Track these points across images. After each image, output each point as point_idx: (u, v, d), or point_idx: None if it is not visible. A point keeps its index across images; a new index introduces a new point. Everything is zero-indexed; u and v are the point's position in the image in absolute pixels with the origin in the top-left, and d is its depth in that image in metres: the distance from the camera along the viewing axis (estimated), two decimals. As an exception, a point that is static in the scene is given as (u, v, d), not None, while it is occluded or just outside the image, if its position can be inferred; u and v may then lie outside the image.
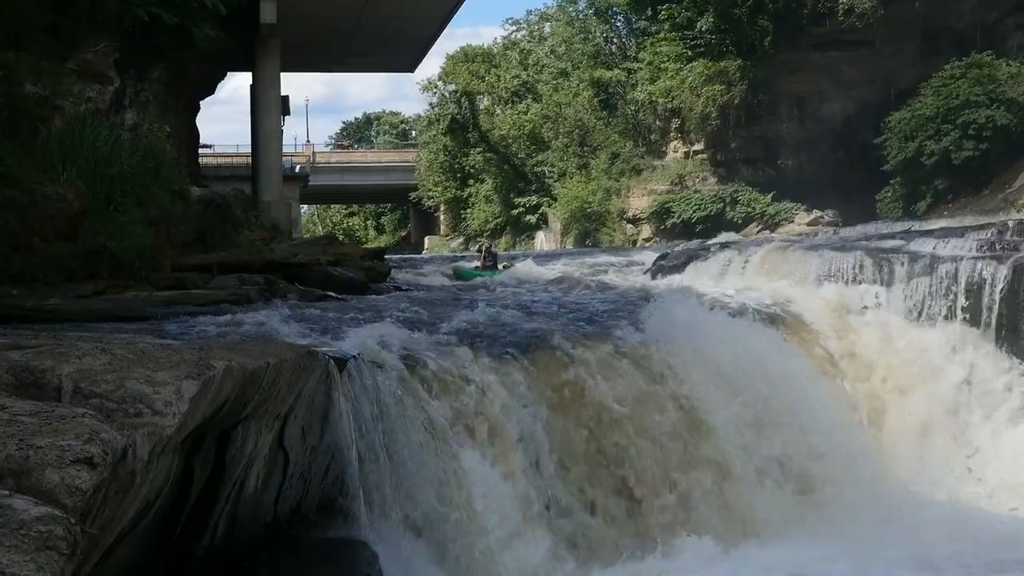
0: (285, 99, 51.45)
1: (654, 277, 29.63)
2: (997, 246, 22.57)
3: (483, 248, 39.23)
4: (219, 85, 48.34)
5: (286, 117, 53.77)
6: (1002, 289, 20.06)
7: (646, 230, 60.98)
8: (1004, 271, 20.20)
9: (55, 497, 4.04)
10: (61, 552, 3.63)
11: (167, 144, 30.17)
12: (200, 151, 50.98)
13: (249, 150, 54.70)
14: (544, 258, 42.48)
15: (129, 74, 30.81)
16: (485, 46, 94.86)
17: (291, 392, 8.68)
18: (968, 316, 20.26)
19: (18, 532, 3.61)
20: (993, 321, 20.07)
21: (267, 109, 48.46)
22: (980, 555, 14.10)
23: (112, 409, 5.45)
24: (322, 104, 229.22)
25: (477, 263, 38.11)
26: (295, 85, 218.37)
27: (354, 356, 10.75)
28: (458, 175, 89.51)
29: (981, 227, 25.79)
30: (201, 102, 45.26)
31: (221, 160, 75.19)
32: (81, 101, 23.47)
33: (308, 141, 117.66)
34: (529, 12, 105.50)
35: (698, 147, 62.19)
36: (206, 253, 22.35)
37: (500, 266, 36.94)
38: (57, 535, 3.67)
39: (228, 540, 8.12)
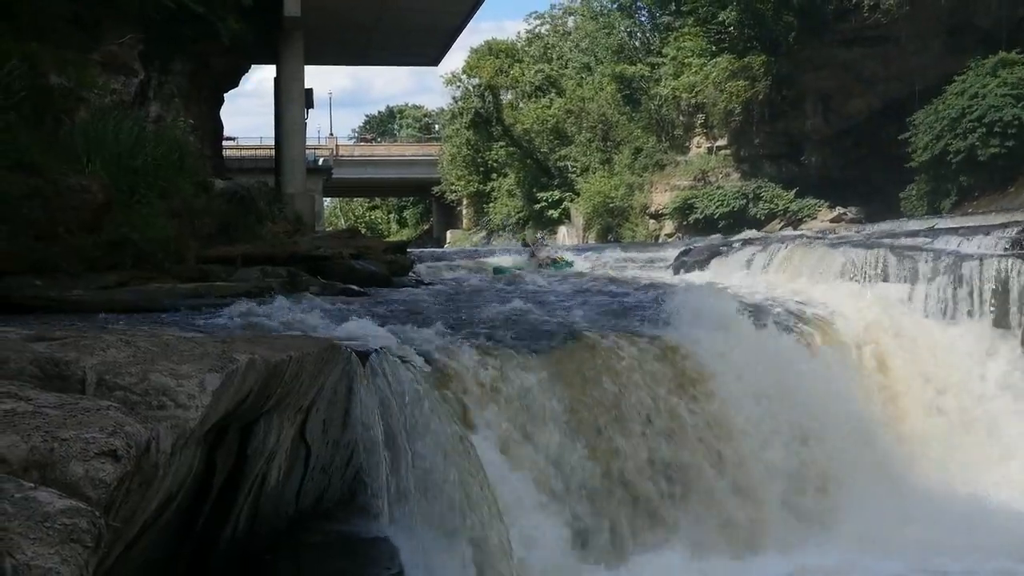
0: (309, 92, 51.48)
1: (676, 272, 29.63)
2: (1022, 244, 22.49)
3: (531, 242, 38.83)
4: (245, 78, 48.56)
5: (309, 110, 53.76)
6: (1028, 287, 19.99)
7: (668, 225, 60.93)
8: (1030, 269, 20.13)
9: (79, 490, 4.04)
10: (85, 545, 3.62)
11: (191, 136, 30.25)
12: (224, 143, 51.11)
13: (273, 143, 54.80)
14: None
15: (154, 66, 30.90)
16: (509, 40, 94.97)
17: (313, 385, 8.67)
18: (993, 314, 20.19)
19: (43, 525, 3.61)
20: (1020, 318, 19.99)
21: (290, 102, 48.50)
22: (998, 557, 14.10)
23: (136, 402, 5.44)
24: (347, 97, 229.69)
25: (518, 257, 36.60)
26: (320, 78, 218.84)
27: (376, 350, 10.73)
28: (481, 169, 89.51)
29: (1006, 225, 25.68)
30: (226, 95, 45.37)
31: (245, 153, 75.32)
32: (106, 93, 23.54)
33: (331, 134, 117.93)
34: (553, 6, 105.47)
35: (721, 143, 62.11)
36: (229, 245, 22.38)
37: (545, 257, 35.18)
38: (82, 528, 3.66)
39: (249, 533, 8.12)
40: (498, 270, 33.57)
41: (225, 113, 43.84)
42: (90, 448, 4.21)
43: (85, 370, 5.57)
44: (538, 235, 43.68)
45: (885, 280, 22.33)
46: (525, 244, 39.61)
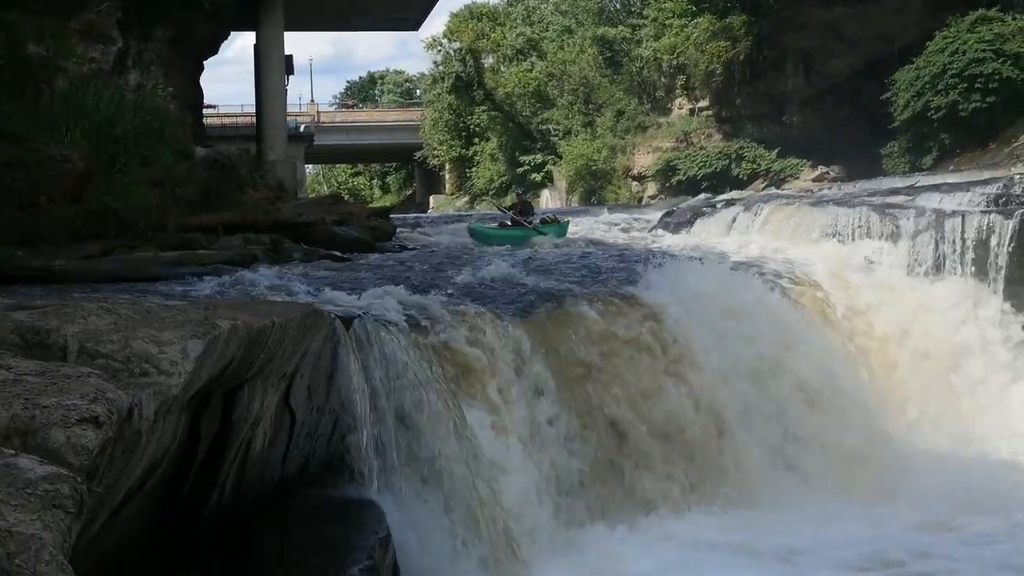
0: (289, 58, 51.36)
1: (660, 233, 29.64)
2: (1003, 200, 22.54)
3: (515, 201, 32.39)
4: (226, 45, 48.38)
5: (290, 76, 53.70)
6: (1009, 243, 20.04)
7: (651, 187, 60.91)
8: (1011, 225, 20.19)
9: (61, 456, 4.05)
10: (68, 511, 3.63)
11: (171, 104, 30.12)
12: (204, 111, 50.89)
13: (254, 110, 54.63)
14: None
15: (132, 34, 30.73)
16: (490, 4, 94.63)
17: (297, 351, 8.68)
18: (974, 271, 20.25)
19: (24, 491, 3.61)
20: (1000, 275, 20.06)
21: (271, 69, 48.43)
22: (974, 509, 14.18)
23: (118, 369, 5.45)
24: (328, 64, 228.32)
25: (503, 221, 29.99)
26: (302, 45, 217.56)
27: (360, 315, 10.75)
28: (463, 134, 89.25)
29: (987, 181, 25.73)
30: (207, 62, 45.09)
31: (226, 120, 74.95)
32: (84, 62, 23.44)
33: (312, 100, 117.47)
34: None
35: (703, 104, 62.02)
36: (211, 213, 22.32)
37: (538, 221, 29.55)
38: (63, 494, 3.67)
39: (235, 499, 8.14)
40: (479, 233, 28.74)
41: (206, 80, 43.67)
42: (71, 415, 4.22)
43: (67, 338, 5.58)
44: (519, 192, 36.02)
45: (868, 238, 22.36)
46: (509, 209, 31.66)
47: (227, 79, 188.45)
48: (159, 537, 7.11)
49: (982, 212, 21.42)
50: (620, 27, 71.08)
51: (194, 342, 5.99)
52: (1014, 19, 44.94)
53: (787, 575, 12.02)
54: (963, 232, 20.71)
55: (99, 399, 4.42)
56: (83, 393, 4.42)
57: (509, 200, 30.52)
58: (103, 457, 4.41)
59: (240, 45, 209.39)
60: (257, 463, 8.49)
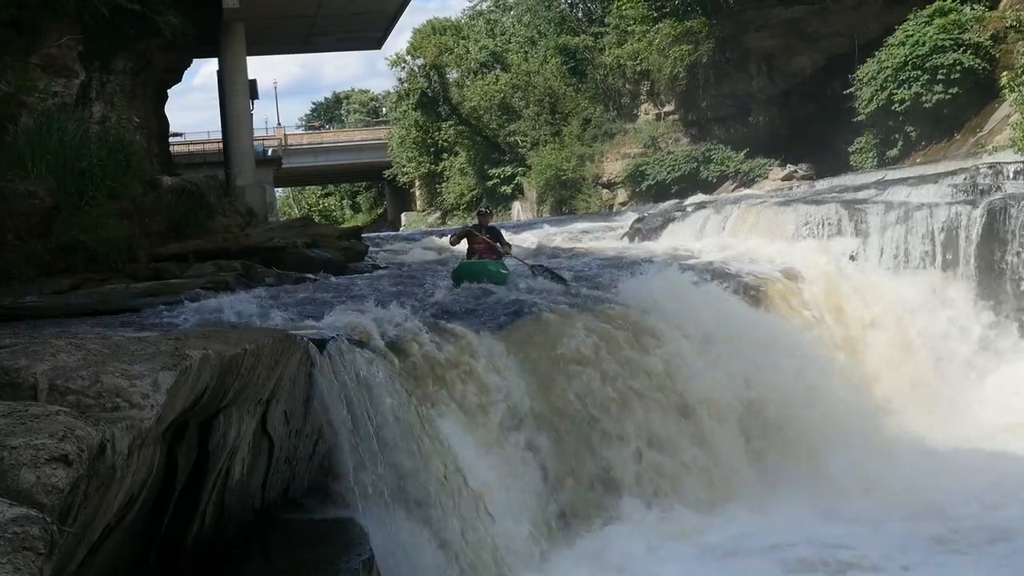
0: (253, 83, 51.28)
1: (632, 241, 29.68)
2: (970, 190, 22.67)
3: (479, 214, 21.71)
4: (192, 72, 48.57)
5: (255, 101, 53.57)
6: (977, 233, 20.16)
7: (622, 194, 60.92)
8: (978, 215, 20.30)
9: (32, 497, 4.03)
10: (38, 552, 3.62)
11: (136, 135, 30.04)
12: (171, 139, 50.79)
13: (220, 136, 54.53)
14: (524, 227, 42.05)
15: (94, 66, 30.66)
16: (452, 18, 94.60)
17: (271, 377, 8.66)
18: (945, 261, 20.37)
19: (-6, 535, 3.60)
20: (971, 265, 20.17)
21: (235, 94, 48.35)
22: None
23: (89, 405, 5.43)
24: (296, 86, 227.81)
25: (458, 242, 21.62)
26: (269, 68, 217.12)
27: (333, 337, 10.74)
28: (431, 150, 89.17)
29: (954, 172, 25.87)
30: (173, 90, 45.08)
31: (193, 148, 74.78)
32: (47, 96, 23.35)
33: (279, 124, 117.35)
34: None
35: (669, 108, 62.09)
36: (181, 242, 22.27)
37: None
38: (33, 535, 3.65)
39: (217, 528, 8.12)
40: (465, 273, 19.50)
41: (174, 108, 43.66)
42: (40, 455, 4.20)
43: (36, 376, 5.55)
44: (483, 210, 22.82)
45: (838, 235, 22.48)
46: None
47: (195, 107, 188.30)
48: (141, 570, 7.08)
49: (950, 204, 21.55)
50: (582, 36, 71.07)
51: (165, 374, 5.97)
52: (972, 9, 45.19)
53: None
54: (932, 224, 20.83)
55: (68, 437, 4.41)
56: (52, 432, 4.40)
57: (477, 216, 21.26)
58: (76, 495, 4.39)
59: (207, 72, 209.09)
60: (237, 491, 8.46)
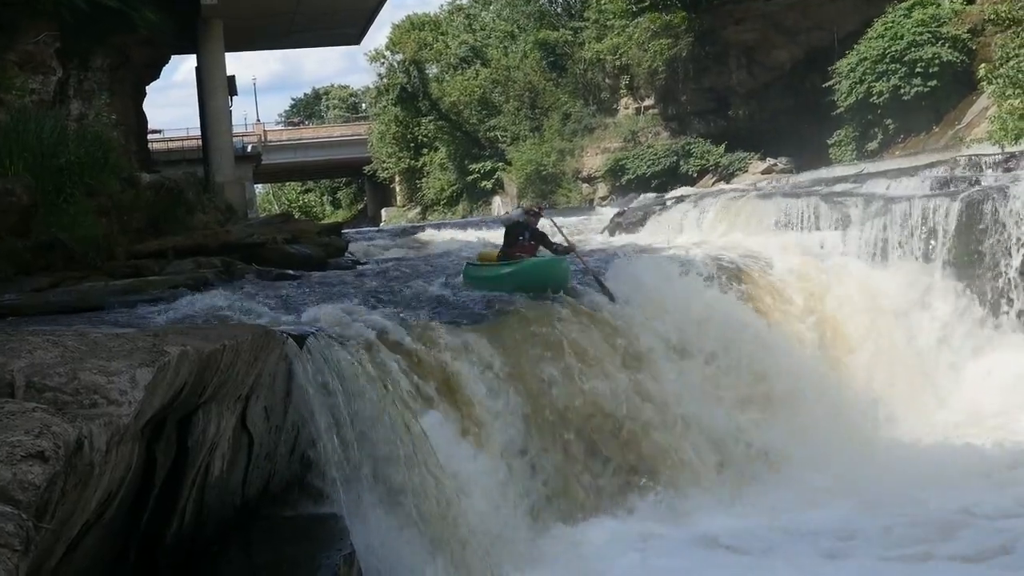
0: (231, 79, 51.18)
1: (612, 235, 29.70)
2: (949, 183, 22.74)
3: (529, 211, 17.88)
4: (173, 68, 48.47)
5: (234, 97, 53.47)
6: (956, 225, 20.22)
7: (602, 188, 61.06)
8: (957, 207, 20.36)
9: (8, 494, 4.01)
10: (14, 548, 3.61)
11: (114, 132, 29.93)
12: (150, 136, 50.67)
13: (199, 133, 54.41)
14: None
15: (72, 63, 30.54)
16: (431, 14, 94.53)
17: (251, 373, 8.64)
18: (924, 254, 20.42)
19: (-31, 532, 3.59)
20: (950, 257, 20.23)
21: (214, 90, 48.24)
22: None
23: (67, 402, 5.41)
24: (277, 82, 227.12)
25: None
26: (248, 64, 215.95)
27: (313, 332, 10.71)
28: (411, 145, 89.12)
29: (932, 165, 25.95)
30: (153, 87, 45.05)
31: (172, 144, 74.56)
32: (24, 93, 23.27)
33: (258, 120, 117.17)
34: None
35: (649, 102, 62.24)
36: (160, 239, 22.19)
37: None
38: (8, 532, 3.64)
39: (197, 525, 8.09)
40: (475, 274, 17.54)
41: (155, 105, 43.54)
42: (16, 451, 4.19)
43: (13, 373, 5.53)
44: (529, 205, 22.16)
45: (818, 228, 22.54)
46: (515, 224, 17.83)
47: (175, 104, 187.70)
48: (121, 567, 7.06)
49: (928, 196, 21.60)
50: (562, 30, 71.19)
51: (143, 370, 5.96)
52: (951, 2, 45.38)
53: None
54: (910, 216, 20.88)
55: (44, 434, 4.39)
56: (28, 429, 4.39)
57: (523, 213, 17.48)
58: (53, 492, 4.38)
59: (187, 68, 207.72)
60: (217, 487, 8.44)
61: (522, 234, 17.07)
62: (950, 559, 12.01)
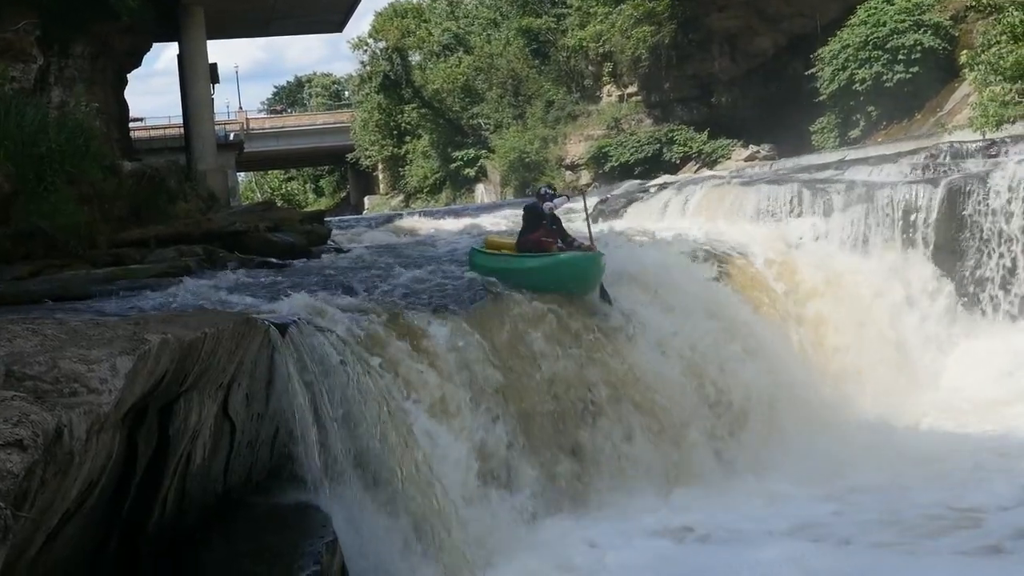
0: (213, 67, 51.03)
1: (595, 222, 29.66)
2: (931, 169, 22.78)
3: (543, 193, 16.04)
4: (156, 56, 48.35)
5: (216, 85, 53.34)
6: (938, 211, 20.28)
7: (585, 176, 60.98)
8: (939, 194, 20.42)
9: (-14, 483, 4.00)
10: (-8, 537, 3.60)
11: (96, 120, 29.82)
12: (132, 124, 50.47)
13: (181, 121, 54.26)
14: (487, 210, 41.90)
15: (52, 51, 30.44)
16: (414, 1, 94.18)
17: (232, 361, 8.63)
18: (905, 240, 20.48)
19: (-52, 520, 3.57)
20: (930, 244, 20.29)
21: (196, 78, 48.13)
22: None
23: (47, 390, 5.40)
24: (259, 70, 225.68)
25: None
26: (231, 52, 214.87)
27: (295, 320, 10.69)
28: (394, 133, 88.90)
29: (914, 152, 25.99)
30: (137, 75, 44.95)
31: (154, 133, 74.21)
32: (5, 81, 23.18)
33: (241, 108, 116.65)
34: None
35: (632, 90, 62.18)
36: (142, 227, 22.14)
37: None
38: (-13, 520, 3.63)
39: (179, 513, 8.09)
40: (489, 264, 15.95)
41: (137, 93, 43.41)
42: (-6, 439, 4.18)
43: (-8, 362, 5.51)
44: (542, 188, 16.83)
45: (800, 215, 22.55)
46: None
47: (158, 92, 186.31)
48: (102, 556, 7.05)
49: (910, 183, 21.65)
50: (545, 17, 71.03)
51: (123, 359, 5.95)
52: (933, -11, 45.49)
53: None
54: (893, 203, 20.93)
55: (23, 422, 4.38)
56: (6, 417, 4.38)
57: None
58: (32, 480, 4.37)
59: (169, 56, 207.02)
60: (198, 475, 8.43)
61: (543, 220, 15.43)
62: (933, 553, 12.01)
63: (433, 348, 12.77)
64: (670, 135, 57.34)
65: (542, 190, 16.00)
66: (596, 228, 15.46)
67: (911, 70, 43.14)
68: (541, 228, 15.34)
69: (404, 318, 13.09)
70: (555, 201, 15.51)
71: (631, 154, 57.47)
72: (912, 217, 20.62)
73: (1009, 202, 20.15)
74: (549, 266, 14.81)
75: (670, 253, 18.78)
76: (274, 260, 20.51)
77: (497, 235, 18.02)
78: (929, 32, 43.43)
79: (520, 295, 14.91)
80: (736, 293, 18.41)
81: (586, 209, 16.29)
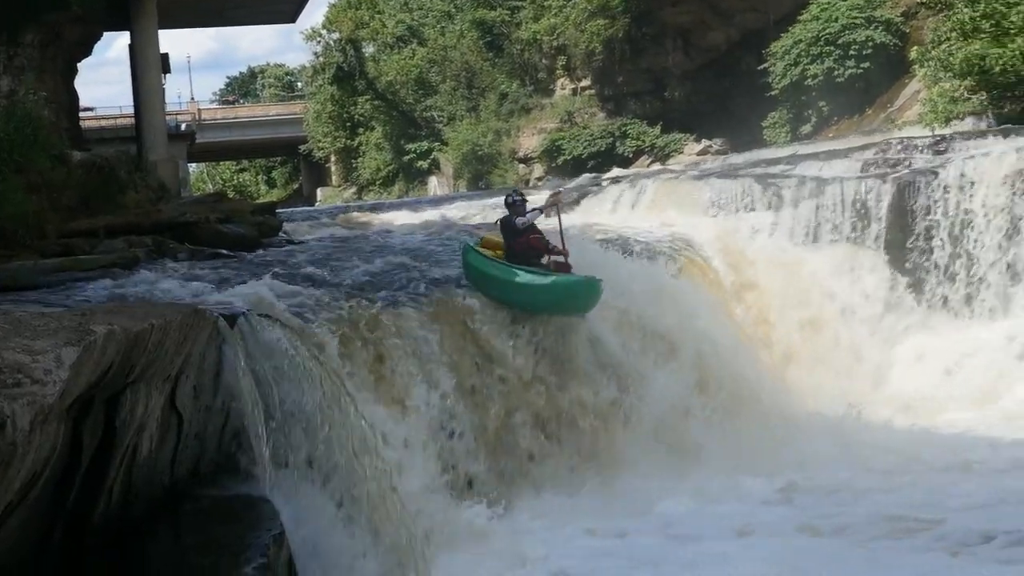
0: (164, 56, 50.65)
1: (548, 216, 29.66)
2: (881, 165, 22.93)
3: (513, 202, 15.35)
4: (108, 45, 47.94)
5: (167, 75, 52.90)
6: (887, 206, 20.43)
7: (538, 169, 61.02)
8: (888, 189, 20.56)
9: (-75, 473, 3.97)
10: (-71, 528, 3.57)
11: (45, 109, 29.54)
12: (82, 114, 50.03)
13: (132, 111, 53.85)
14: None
15: (1, 40, 30.12)
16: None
17: (180, 352, 8.58)
18: (855, 234, 20.62)
19: None
20: (881, 237, 20.44)
21: (147, 68, 47.72)
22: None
23: (-11, 381, 5.35)
24: (211, 60, 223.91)
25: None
26: (183, 42, 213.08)
27: (244, 312, 10.65)
28: (347, 124, 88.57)
29: (864, 147, 26.15)
30: (87, 64, 44.56)
31: (104, 123, 73.61)
32: (-48, 70, 22.96)
33: (193, 98, 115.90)
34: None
35: (585, 83, 62.24)
36: (92, 217, 21.96)
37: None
38: (-77, 511, 3.60)
39: (125, 505, 8.04)
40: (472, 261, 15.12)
41: (88, 83, 43.02)
42: (-66, 430, 4.14)
43: (-66, 352, 5.46)
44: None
45: (752, 209, 22.64)
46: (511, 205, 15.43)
47: (110, 81, 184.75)
48: (48, 546, 7.00)
49: (860, 178, 21.79)
50: (499, 10, 70.99)
51: (68, 349, 5.90)
52: (885, -15, 45.77)
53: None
54: (843, 198, 21.06)
55: (-36, 413, 4.35)
56: (-53, 408, 4.34)
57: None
58: (-28, 472, 4.33)
59: (121, 45, 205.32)
60: (145, 467, 8.38)
61: (525, 228, 14.83)
62: (888, 549, 12.08)
63: (385, 339, 12.76)
64: (623, 129, 57.42)
65: (512, 199, 15.27)
66: (551, 221, 15.28)
67: (862, 66, 43.40)
68: (524, 235, 14.81)
69: (356, 309, 13.07)
70: (528, 216, 14.93)
71: (584, 147, 57.52)
72: (862, 212, 20.76)
73: (958, 198, 20.33)
74: (548, 287, 14.26)
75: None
76: (224, 251, 20.44)
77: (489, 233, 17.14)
78: (880, 28, 43.71)
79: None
80: (682, 279, 18.46)
81: (560, 223, 15.33)
